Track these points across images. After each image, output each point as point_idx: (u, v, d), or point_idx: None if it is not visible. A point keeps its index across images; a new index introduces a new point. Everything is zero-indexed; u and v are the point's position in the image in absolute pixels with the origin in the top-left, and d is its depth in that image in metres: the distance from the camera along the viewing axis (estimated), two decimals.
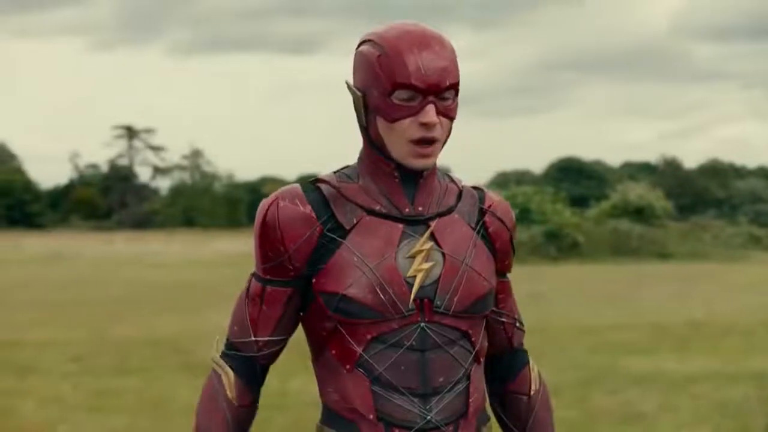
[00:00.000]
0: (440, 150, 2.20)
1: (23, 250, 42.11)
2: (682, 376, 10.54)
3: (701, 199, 73.58)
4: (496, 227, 2.32)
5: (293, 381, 8.96)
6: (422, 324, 2.19)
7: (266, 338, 2.28)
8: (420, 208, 2.22)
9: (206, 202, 76.65)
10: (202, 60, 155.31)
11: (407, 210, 2.22)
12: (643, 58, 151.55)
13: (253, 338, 2.27)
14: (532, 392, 2.43)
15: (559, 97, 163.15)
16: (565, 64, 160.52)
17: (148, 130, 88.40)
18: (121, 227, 70.75)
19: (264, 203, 2.24)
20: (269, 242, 2.21)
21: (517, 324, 2.44)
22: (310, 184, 2.27)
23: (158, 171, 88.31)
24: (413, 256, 2.19)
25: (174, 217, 75.49)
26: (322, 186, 2.25)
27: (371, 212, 2.21)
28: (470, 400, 2.24)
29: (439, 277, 2.20)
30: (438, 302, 2.19)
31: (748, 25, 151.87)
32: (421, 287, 2.18)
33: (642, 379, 10.21)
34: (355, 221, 2.21)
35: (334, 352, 2.23)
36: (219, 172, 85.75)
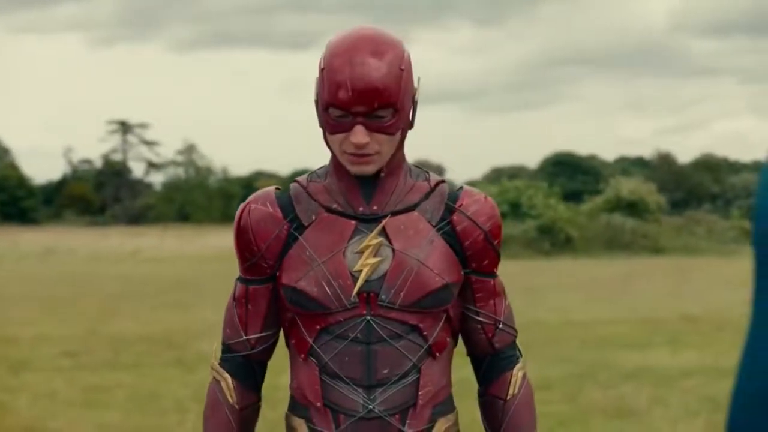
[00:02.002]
0: (387, 155, 2.25)
1: (17, 245, 42.03)
2: (675, 371, 10.58)
3: (695, 194, 73.70)
4: (465, 226, 2.35)
5: (284, 376, 8.95)
6: (368, 317, 2.28)
7: (257, 335, 2.41)
8: (375, 207, 2.30)
9: (200, 197, 76.61)
10: (203, 56, 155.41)
11: (361, 208, 2.30)
12: (641, 53, 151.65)
13: (244, 337, 2.41)
14: (508, 397, 2.45)
15: (557, 93, 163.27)
16: (563, 60, 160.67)
17: (142, 125, 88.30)
18: (115, 222, 70.73)
19: (239, 208, 2.38)
20: (244, 244, 2.36)
21: (500, 326, 2.45)
22: (292, 184, 2.39)
23: (152, 166, 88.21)
24: (362, 252, 2.28)
25: (168, 212, 75.45)
26: (292, 186, 2.38)
27: (329, 210, 2.32)
28: (420, 393, 2.30)
29: (387, 272, 2.27)
30: (383, 296, 2.27)
31: (745, 21, 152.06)
32: (367, 281, 2.27)
33: (634, 374, 10.24)
34: (313, 218, 2.32)
35: (293, 341, 2.37)
36: (213, 167, 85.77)
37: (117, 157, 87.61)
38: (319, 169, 2.39)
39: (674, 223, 43.21)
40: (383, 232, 2.29)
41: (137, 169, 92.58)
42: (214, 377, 2.45)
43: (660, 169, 76.32)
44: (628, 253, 36.03)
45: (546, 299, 18.37)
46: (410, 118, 2.29)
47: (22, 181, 77.62)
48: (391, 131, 2.21)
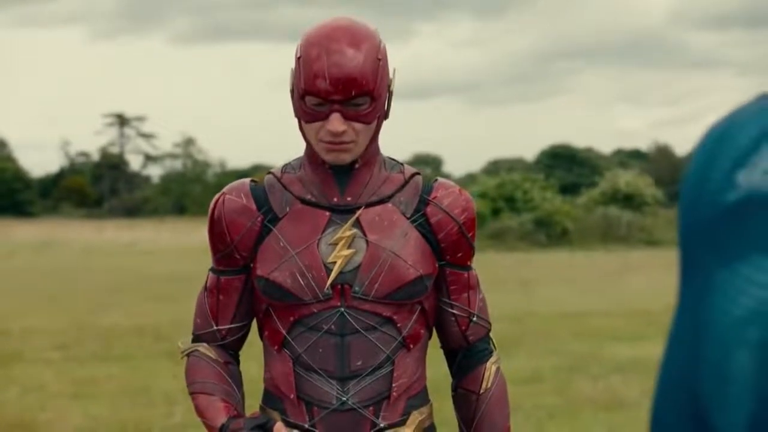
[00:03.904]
0: (363, 144, 2.25)
1: (13, 238, 42.02)
2: None
3: None
4: (439, 218, 2.34)
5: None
6: (342, 309, 2.27)
7: (227, 326, 2.42)
8: (349, 198, 2.29)
9: (198, 191, 76.61)
10: (204, 49, 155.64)
11: (335, 199, 2.29)
12: (639, 46, 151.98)
13: (215, 327, 2.42)
14: (481, 391, 2.44)
15: (556, 85, 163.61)
16: (562, 53, 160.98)
17: (140, 118, 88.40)
18: (112, 215, 70.66)
19: (214, 199, 2.38)
20: (217, 235, 2.37)
21: (474, 319, 2.44)
22: (266, 176, 2.39)
23: (149, 159, 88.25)
24: (335, 243, 2.27)
25: (165, 205, 75.45)
26: (266, 177, 2.38)
27: (303, 201, 2.31)
28: (394, 385, 2.30)
29: (361, 263, 2.26)
30: (356, 288, 2.26)
31: (743, 13, 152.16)
32: (341, 273, 2.26)
33: (625, 366, 10.22)
34: (287, 209, 2.31)
35: (267, 333, 2.36)
36: (211, 160, 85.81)
37: (114, 149, 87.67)
38: (293, 160, 2.38)
39: (671, 215, 43.15)
40: (357, 224, 2.28)
41: (135, 162, 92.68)
42: (187, 354, 2.43)
43: (657, 161, 76.33)
44: (625, 245, 36.03)
45: (541, 292, 18.35)
46: (386, 108, 2.28)
47: (18, 173, 77.57)
48: (367, 120, 2.21)
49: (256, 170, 73.99)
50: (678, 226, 0.93)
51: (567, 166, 74.58)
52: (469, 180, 49.70)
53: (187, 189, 77.39)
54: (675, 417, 0.86)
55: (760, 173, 0.85)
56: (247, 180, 2.40)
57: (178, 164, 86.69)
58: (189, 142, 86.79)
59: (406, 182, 2.34)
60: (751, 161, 0.86)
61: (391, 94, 2.29)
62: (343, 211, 2.29)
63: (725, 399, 0.81)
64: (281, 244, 2.28)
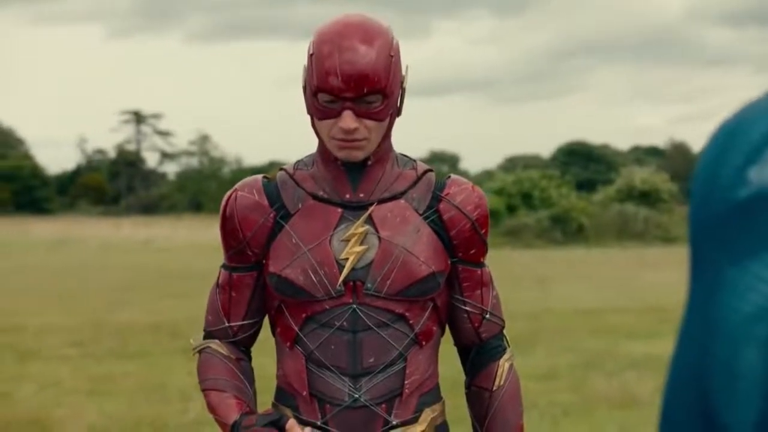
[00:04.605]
0: (376, 142, 2.24)
1: (30, 235, 42.17)
2: None
3: None
4: (451, 215, 2.33)
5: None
6: (354, 306, 2.26)
7: (239, 323, 2.41)
8: (361, 195, 2.28)
9: (214, 187, 76.74)
10: (220, 47, 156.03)
11: (348, 196, 2.28)
12: (656, 43, 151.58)
13: (227, 324, 2.41)
14: (494, 388, 2.43)
15: (573, 82, 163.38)
16: (579, 50, 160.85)
17: (156, 115, 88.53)
18: (129, 212, 70.85)
19: (226, 195, 2.38)
20: (229, 231, 2.37)
21: (487, 316, 2.43)
22: (279, 172, 2.38)
23: (166, 156, 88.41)
24: (348, 240, 2.26)
25: (182, 203, 75.59)
26: (279, 174, 2.36)
27: (315, 197, 2.29)
28: (406, 382, 2.29)
29: (373, 260, 2.25)
30: (369, 284, 2.25)
31: (761, 10, 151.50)
32: (353, 270, 2.25)
33: (640, 363, 10.19)
34: (300, 206, 2.30)
35: (279, 330, 2.35)
36: (227, 157, 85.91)
37: (131, 147, 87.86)
38: (306, 157, 2.37)
39: (687, 212, 43.03)
40: (370, 220, 2.27)
41: (151, 159, 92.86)
42: (199, 351, 2.43)
43: (673, 158, 76.09)
44: (641, 242, 35.95)
45: (557, 289, 18.32)
46: (398, 105, 2.27)
47: (36, 171, 77.81)
48: (379, 117, 2.20)
49: (271, 167, 74.03)
50: (688, 223, 0.92)
51: (583, 163, 74.45)
52: (485, 177, 49.66)
53: (204, 186, 77.49)
54: (684, 414, 0.85)
55: None
56: (259, 176, 2.39)
57: (194, 161, 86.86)
58: (205, 139, 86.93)
59: (419, 179, 2.33)
60: (762, 157, 0.85)
61: (403, 91, 2.27)
62: (355, 208, 2.28)
63: (734, 396, 0.81)
64: (293, 240, 2.27)
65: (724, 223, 0.86)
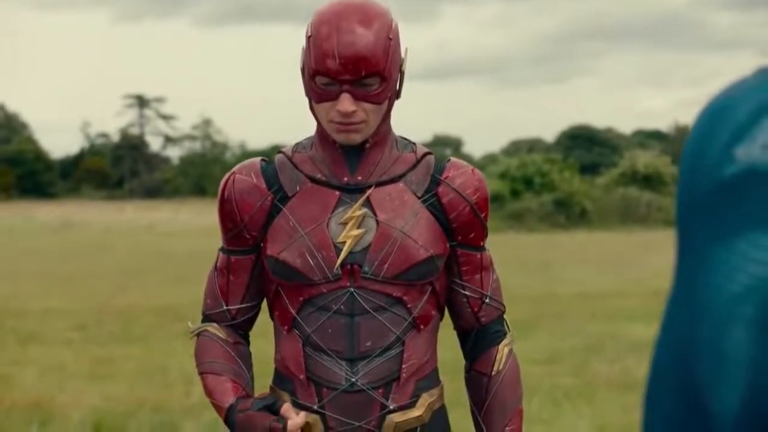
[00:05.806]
0: (374, 124, 2.22)
1: (34, 219, 42.23)
2: None
3: None
4: (450, 198, 2.31)
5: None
6: (351, 289, 2.24)
7: (237, 306, 2.39)
8: (359, 178, 2.27)
9: (217, 171, 76.71)
10: (228, 31, 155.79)
11: (346, 179, 2.27)
12: (662, 26, 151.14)
13: (225, 307, 2.39)
14: (493, 373, 2.41)
15: (578, 66, 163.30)
16: (585, 34, 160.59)
17: (159, 99, 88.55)
18: (132, 196, 70.91)
19: (224, 178, 2.36)
20: (227, 214, 2.34)
21: (486, 300, 2.41)
22: (277, 155, 2.37)
23: (169, 140, 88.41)
24: (345, 223, 2.24)
25: (185, 187, 75.63)
26: (277, 156, 2.35)
27: (313, 180, 2.28)
28: (403, 366, 2.27)
29: (371, 243, 2.24)
30: (366, 268, 2.23)
31: None
32: (351, 253, 2.24)
33: (642, 346, 10.17)
34: (298, 188, 2.28)
35: (277, 313, 2.34)
36: (230, 141, 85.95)
37: (134, 131, 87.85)
38: (304, 139, 2.36)
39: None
40: (368, 203, 2.25)
41: (154, 143, 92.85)
42: (197, 335, 2.42)
43: (677, 142, 75.96)
44: (644, 226, 35.92)
45: (560, 272, 18.31)
46: (397, 88, 2.26)
47: (39, 155, 77.88)
48: (378, 100, 2.18)
49: (274, 151, 73.40)
50: (675, 201, 0.91)
51: (587, 146, 74.36)
52: (489, 160, 49.63)
53: (207, 170, 77.50)
54: (668, 394, 0.84)
55: (759, 147, 0.83)
56: (257, 159, 2.37)
57: (197, 146, 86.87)
58: (207, 123, 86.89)
59: (418, 162, 2.31)
60: (749, 135, 0.84)
61: (402, 74, 2.25)
62: (353, 191, 2.26)
63: (720, 376, 0.80)
64: (291, 223, 2.26)
65: (711, 202, 0.85)
